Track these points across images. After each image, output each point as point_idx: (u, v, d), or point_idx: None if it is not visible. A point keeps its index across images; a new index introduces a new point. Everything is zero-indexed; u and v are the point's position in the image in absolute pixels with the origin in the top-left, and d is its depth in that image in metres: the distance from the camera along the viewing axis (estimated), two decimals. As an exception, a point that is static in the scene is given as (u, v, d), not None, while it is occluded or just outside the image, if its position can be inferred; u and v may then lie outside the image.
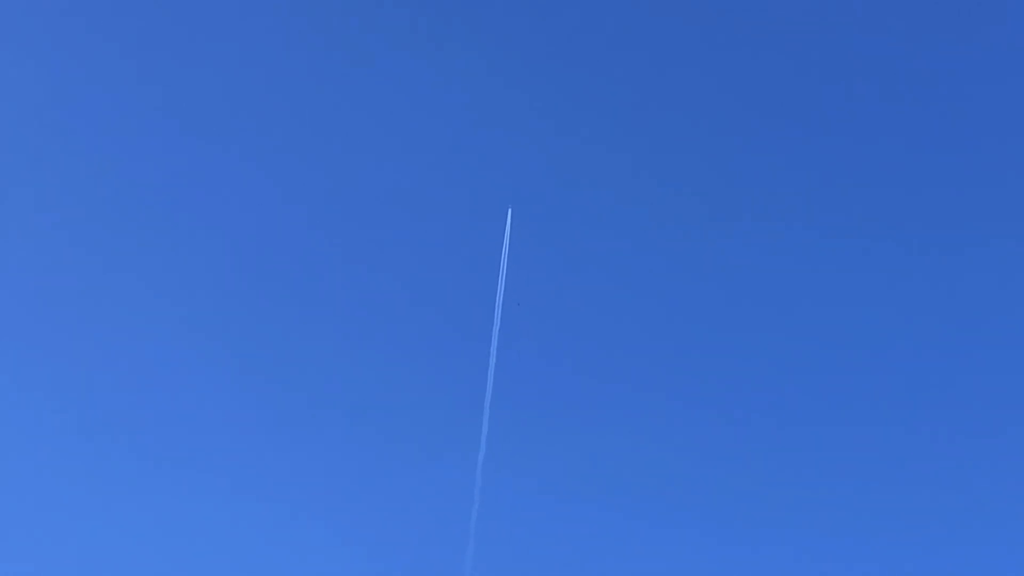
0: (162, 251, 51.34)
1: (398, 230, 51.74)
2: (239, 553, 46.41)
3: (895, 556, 47.41)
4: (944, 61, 54.86)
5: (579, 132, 53.69)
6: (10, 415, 48.60)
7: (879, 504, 48.57)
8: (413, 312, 50.74)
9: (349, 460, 48.12)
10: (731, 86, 54.46)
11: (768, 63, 54.62)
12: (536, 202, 51.41)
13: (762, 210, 53.17)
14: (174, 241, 51.54)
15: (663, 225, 53.00)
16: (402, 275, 51.25)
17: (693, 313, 51.73)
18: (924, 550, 47.59)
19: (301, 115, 53.13)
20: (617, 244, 52.18)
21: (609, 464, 48.39)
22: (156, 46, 53.13)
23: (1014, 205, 53.08)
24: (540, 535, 47.00)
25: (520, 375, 48.62)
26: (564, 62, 54.46)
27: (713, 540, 47.65)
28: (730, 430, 49.70)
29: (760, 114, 54.38)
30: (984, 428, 49.91)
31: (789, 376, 50.88)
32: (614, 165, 53.30)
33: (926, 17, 54.93)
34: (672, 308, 51.83)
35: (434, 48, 53.85)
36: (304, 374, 49.86)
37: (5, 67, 52.46)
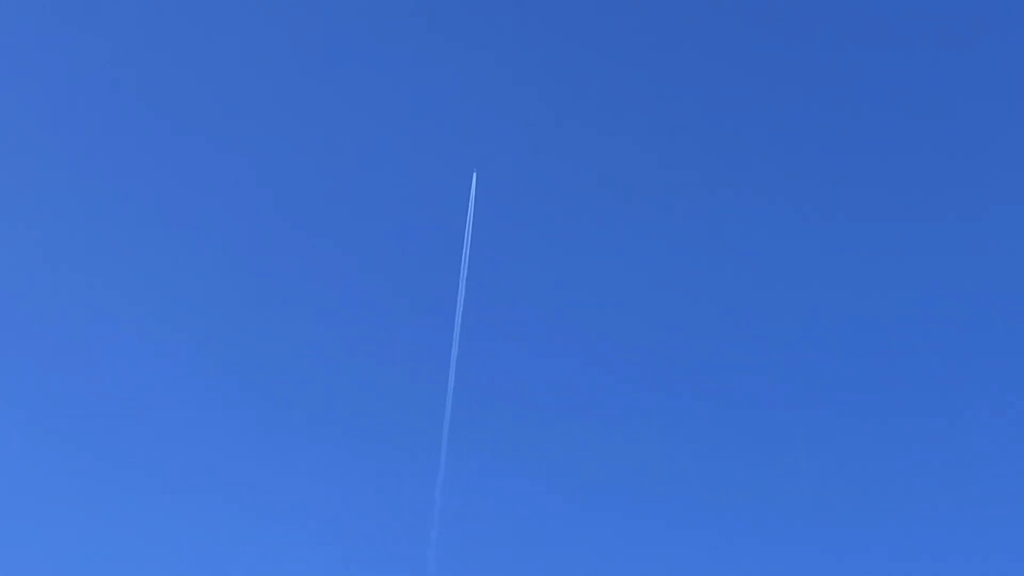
0: (128, 248, 51.44)
1: (362, 224, 51.50)
2: (205, 554, 46.35)
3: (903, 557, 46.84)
4: (947, 51, 54.48)
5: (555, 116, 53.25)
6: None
7: (884, 503, 48.08)
8: (372, 302, 50.39)
9: (309, 459, 47.71)
10: (723, 69, 54.14)
11: (769, 48, 54.10)
12: (499, 194, 50.40)
13: (750, 192, 52.71)
14: (137, 238, 51.62)
15: (635, 213, 52.34)
16: (362, 265, 50.96)
17: (669, 300, 51.10)
18: (928, 551, 47.10)
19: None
20: (589, 230, 51.68)
21: (576, 458, 47.82)
22: (146, 44, 53.36)
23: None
24: (504, 534, 46.44)
25: (484, 367, 48.01)
26: (552, 46, 54.14)
27: (685, 536, 47.02)
28: (714, 425, 49.09)
29: (757, 102, 53.91)
30: (991, 427, 49.33)
31: (766, 366, 50.26)
32: (590, 149, 52.83)
33: (931, 11, 54.44)
34: (648, 295, 51.15)
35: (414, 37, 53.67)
36: (257, 368, 49.57)
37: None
